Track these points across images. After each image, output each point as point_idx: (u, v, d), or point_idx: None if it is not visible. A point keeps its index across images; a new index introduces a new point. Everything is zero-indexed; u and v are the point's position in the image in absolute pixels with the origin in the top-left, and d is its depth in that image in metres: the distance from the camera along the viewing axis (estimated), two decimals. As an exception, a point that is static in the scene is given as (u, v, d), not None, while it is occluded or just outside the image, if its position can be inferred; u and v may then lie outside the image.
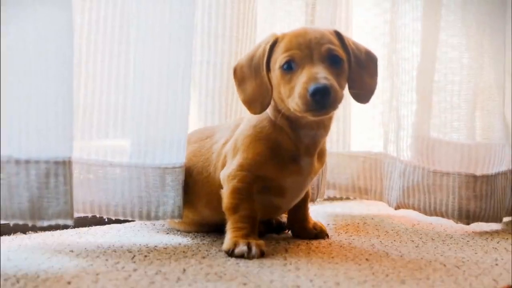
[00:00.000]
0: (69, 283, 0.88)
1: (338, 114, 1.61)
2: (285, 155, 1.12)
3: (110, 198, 1.15)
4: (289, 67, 1.05)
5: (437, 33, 1.45)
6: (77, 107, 1.15)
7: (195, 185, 1.19)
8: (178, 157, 1.17)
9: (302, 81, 1.02)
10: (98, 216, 1.17)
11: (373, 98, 1.57)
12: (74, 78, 1.15)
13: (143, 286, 0.88)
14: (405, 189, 1.45)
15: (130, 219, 1.18)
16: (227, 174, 1.12)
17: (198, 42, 1.36)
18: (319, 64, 1.04)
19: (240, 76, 1.13)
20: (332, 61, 1.06)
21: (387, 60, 1.55)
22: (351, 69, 1.10)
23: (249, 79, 1.11)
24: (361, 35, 1.62)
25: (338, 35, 1.11)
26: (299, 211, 1.25)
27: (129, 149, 1.17)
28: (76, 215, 1.21)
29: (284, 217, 1.31)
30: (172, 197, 1.16)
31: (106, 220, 1.27)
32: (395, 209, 1.48)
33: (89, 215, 1.18)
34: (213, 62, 1.36)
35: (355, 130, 1.65)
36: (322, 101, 1.00)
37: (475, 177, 1.39)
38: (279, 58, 1.07)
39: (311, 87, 1.00)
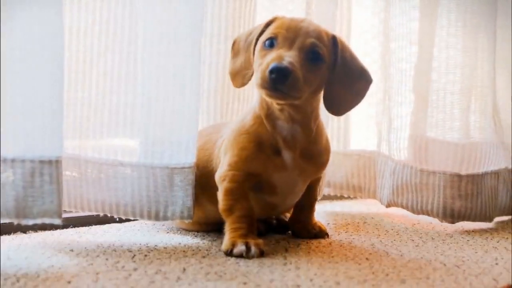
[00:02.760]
0: (69, 282, 0.88)
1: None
2: (267, 148, 1.11)
3: (120, 198, 1.16)
4: (270, 44, 1.07)
5: (433, 33, 1.45)
6: (88, 106, 1.16)
7: (200, 178, 1.19)
8: (187, 157, 1.17)
9: (269, 58, 1.03)
10: (109, 215, 1.18)
11: (369, 97, 1.60)
12: (85, 78, 1.16)
13: (143, 285, 0.88)
14: (394, 188, 1.46)
15: (139, 219, 1.18)
16: (219, 176, 1.13)
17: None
18: (294, 51, 1.04)
19: (236, 49, 1.16)
20: (311, 56, 1.06)
21: (381, 60, 1.56)
22: (334, 75, 1.09)
23: (241, 53, 1.14)
24: (360, 33, 1.62)
25: (334, 39, 1.11)
26: (302, 212, 1.24)
27: (138, 149, 1.17)
28: (87, 213, 1.23)
29: (288, 215, 1.30)
30: (181, 197, 1.16)
31: (106, 219, 1.27)
32: (386, 207, 1.49)
33: (101, 214, 1.18)
34: (209, 62, 1.36)
35: (353, 129, 1.66)
36: (278, 81, 1.00)
37: (459, 176, 1.39)
38: (265, 34, 1.09)
39: (272, 64, 1.00)
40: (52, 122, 1.02)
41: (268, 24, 1.11)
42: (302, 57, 1.04)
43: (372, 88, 1.58)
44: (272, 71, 1.00)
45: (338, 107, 1.14)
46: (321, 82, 1.09)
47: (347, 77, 1.11)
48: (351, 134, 1.65)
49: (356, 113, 1.64)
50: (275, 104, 1.09)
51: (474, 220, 1.41)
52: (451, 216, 1.40)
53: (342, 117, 1.61)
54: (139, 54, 1.17)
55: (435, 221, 1.47)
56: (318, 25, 1.11)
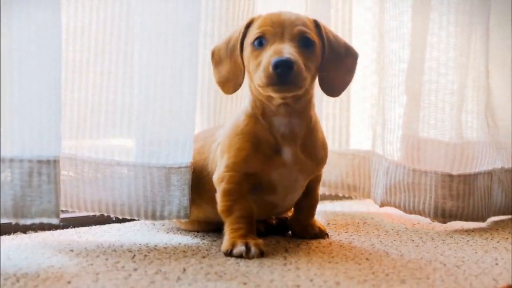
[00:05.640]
0: (69, 282, 0.88)
1: (334, 112, 1.60)
2: (265, 146, 1.11)
3: (117, 197, 1.16)
4: (260, 44, 1.07)
5: (426, 33, 1.45)
6: (85, 106, 1.17)
7: (199, 182, 1.19)
8: (183, 157, 1.17)
9: (268, 55, 1.03)
10: (105, 214, 1.18)
11: (369, 98, 1.60)
12: (82, 78, 1.16)
13: (143, 285, 0.88)
14: (388, 187, 1.46)
15: (136, 218, 1.19)
16: (217, 177, 1.13)
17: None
18: (288, 42, 1.05)
19: (217, 58, 1.16)
20: (303, 42, 1.07)
21: (376, 62, 1.56)
22: (324, 57, 1.11)
23: (225, 61, 1.14)
24: (360, 34, 1.62)
25: (316, 23, 1.12)
26: (303, 213, 1.24)
27: (135, 149, 1.17)
28: (87, 213, 1.24)
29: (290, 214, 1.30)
30: (178, 197, 1.17)
31: (106, 219, 1.27)
32: (380, 206, 1.50)
33: (97, 213, 1.19)
34: (202, 62, 1.36)
35: (352, 129, 1.66)
36: (284, 74, 1.01)
37: (451, 176, 1.40)
38: (251, 35, 1.09)
39: (274, 59, 1.01)
40: (50, 122, 1.02)
41: (247, 26, 1.12)
42: (296, 46, 1.05)
43: (371, 90, 1.59)
44: (276, 66, 1.00)
45: (334, 87, 1.15)
46: (317, 67, 1.11)
47: (336, 56, 1.13)
48: (350, 133, 1.65)
49: (355, 113, 1.65)
50: (279, 99, 1.08)
51: (466, 219, 1.41)
52: (443, 215, 1.40)
53: (339, 116, 1.61)
54: (136, 54, 1.17)
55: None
56: (298, 13, 1.12)
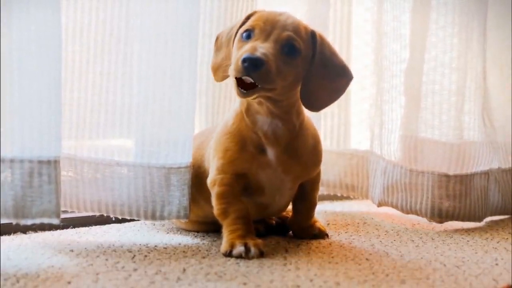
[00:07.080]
0: (69, 282, 0.88)
1: (333, 112, 1.61)
2: (250, 145, 1.11)
3: (117, 197, 1.16)
4: (248, 36, 1.07)
5: (425, 34, 1.46)
6: (85, 106, 1.17)
7: (197, 178, 1.19)
8: (183, 157, 1.17)
9: (243, 49, 1.03)
10: (105, 215, 1.18)
11: (367, 98, 1.60)
12: (82, 78, 1.16)
13: (143, 286, 0.88)
14: (385, 187, 1.47)
15: (136, 218, 1.19)
16: (210, 181, 1.13)
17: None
18: (270, 43, 1.04)
19: (219, 44, 1.16)
20: (287, 48, 1.05)
21: (374, 62, 1.56)
22: (312, 71, 1.09)
23: (223, 48, 1.14)
24: (361, 34, 1.62)
25: (313, 34, 1.10)
26: (301, 215, 1.24)
27: (134, 149, 1.17)
28: (87, 214, 1.24)
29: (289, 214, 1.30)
30: (177, 197, 1.17)
31: (106, 219, 1.27)
32: (378, 206, 1.50)
33: (97, 214, 1.19)
34: (200, 62, 1.36)
35: (352, 129, 1.66)
36: (249, 70, 0.99)
37: (447, 176, 1.41)
38: (243, 27, 1.09)
39: (245, 54, 1.00)
40: (50, 122, 1.02)
41: (248, 18, 1.11)
42: (277, 49, 1.04)
43: (370, 90, 1.59)
44: (244, 60, 1.00)
45: (314, 103, 1.12)
46: (298, 76, 1.09)
47: (326, 72, 1.11)
48: (349, 133, 1.64)
49: (354, 113, 1.65)
50: (238, 91, 1.05)
51: (462, 220, 1.42)
52: (439, 215, 1.41)
53: (338, 116, 1.61)
54: (136, 54, 1.17)
55: (434, 221, 1.47)
56: (296, 19, 1.10)
